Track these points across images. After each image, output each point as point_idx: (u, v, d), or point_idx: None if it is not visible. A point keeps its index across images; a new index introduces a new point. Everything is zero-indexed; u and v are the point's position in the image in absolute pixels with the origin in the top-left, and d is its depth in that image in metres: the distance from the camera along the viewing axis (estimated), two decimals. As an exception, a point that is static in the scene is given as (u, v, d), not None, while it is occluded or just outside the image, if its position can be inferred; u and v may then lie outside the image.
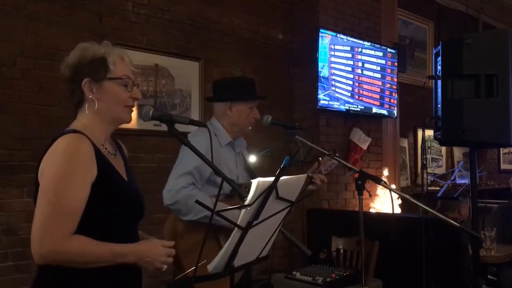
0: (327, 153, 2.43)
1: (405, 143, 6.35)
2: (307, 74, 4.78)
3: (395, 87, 5.29)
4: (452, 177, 6.48)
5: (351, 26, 5.06)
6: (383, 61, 5.17)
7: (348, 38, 4.85)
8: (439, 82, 2.89)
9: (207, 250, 1.49)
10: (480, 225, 3.92)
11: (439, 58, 2.91)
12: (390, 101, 5.24)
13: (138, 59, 3.81)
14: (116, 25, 3.75)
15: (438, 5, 6.94)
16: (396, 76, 5.31)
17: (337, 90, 4.76)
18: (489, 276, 4.13)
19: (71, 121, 1.65)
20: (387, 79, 5.21)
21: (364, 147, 4.93)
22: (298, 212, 4.44)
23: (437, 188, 6.03)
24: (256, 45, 4.70)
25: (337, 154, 2.55)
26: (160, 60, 3.99)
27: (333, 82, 4.72)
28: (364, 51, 5.00)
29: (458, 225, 2.12)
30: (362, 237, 2.17)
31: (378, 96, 5.13)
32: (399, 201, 4.97)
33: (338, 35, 4.76)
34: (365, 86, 5.02)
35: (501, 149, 8.23)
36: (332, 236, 3.85)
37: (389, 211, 3.89)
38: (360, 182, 2.14)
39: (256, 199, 1.40)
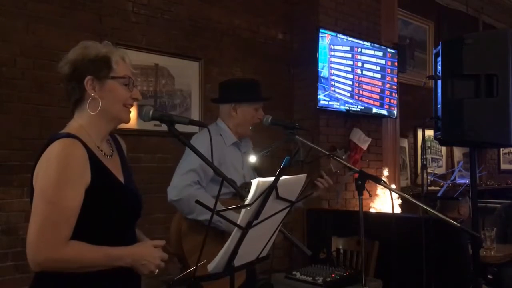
0: (327, 153, 2.43)
1: (405, 143, 6.35)
2: (307, 74, 4.78)
3: (395, 87, 5.29)
4: (452, 177, 6.48)
5: (351, 26, 5.06)
6: (383, 61, 5.17)
7: (348, 38, 4.85)
8: (439, 82, 2.89)
9: (213, 248, 1.50)
10: (480, 225, 3.93)
11: (439, 58, 2.91)
12: (390, 101, 5.24)
13: (138, 59, 3.81)
14: (116, 25, 3.75)
15: (438, 5, 6.94)
16: (396, 76, 5.30)
17: (337, 90, 4.76)
18: (489, 276, 4.13)
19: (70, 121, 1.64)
20: (387, 79, 5.21)
21: (364, 147, 4.93)
22: (298, 212, 4.44)
23: (437, 188, 6.04)
24: (256, 45, 4.70)
25: (338, 150, 2.55)
26: (160, 60, 3.98)
27: (333, 82, 4.72)
28: (364, 51, 5.00)
29: (458, 225, 2.12)
30: (362, 237, 2.17)
31: (378, 96, 5.13)
32: (399, 201, 4.97)
33: (338, 35, 4.76)
34: (365, 86, 5.02)
35: (501, 149, 8.23)
36: (332, 236, 3.85)
37: (389, 211, 3.89)
38: (360, 182, 2.14)
39: (256, 199, 1.40)
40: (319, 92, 4.57)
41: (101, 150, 1.62)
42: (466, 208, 4.40)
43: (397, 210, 4.94)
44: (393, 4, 5.56)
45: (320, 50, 4.55)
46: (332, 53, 4.70)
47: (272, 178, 1.42)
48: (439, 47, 2.92)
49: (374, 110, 5.10)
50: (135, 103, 1.68)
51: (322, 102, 4.60)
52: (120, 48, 1.69)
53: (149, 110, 1.66)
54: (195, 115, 4.17)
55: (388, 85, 5.22)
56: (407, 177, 6.39)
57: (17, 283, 3.18)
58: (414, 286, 3.20)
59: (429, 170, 6.31)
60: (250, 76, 2.64)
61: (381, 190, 4.97)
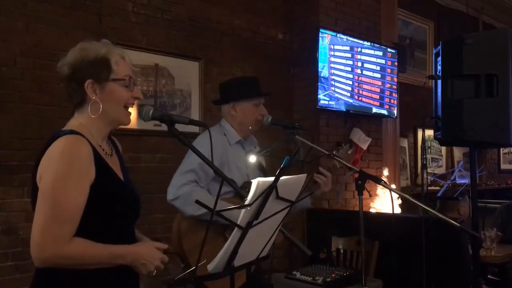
0: (327, 153, 2.43)
1: (405, 143, 6.35)
2: (307, 74, 4.78)
3: (395, 87, 5.29)
4: (452, 177, 6.49)
5: (351, 26, 5.06)
6: (383, 61, 5.17)
7: (348, 38, 4.85)
8: (439, 82, 2.89)
9: (214, 247, 1.50)
10: (480, 225, 3.93)
11: (439, 58, 2.92)
12: (390, 101, 5.24)
13: (138, 59, 3.81)
14: (116, 25, 3.75)
15: (438, 5, 6.94)
16: (396, 76, 5.30)
17: (337, 90, 4.76)
18: (489, 276, 4.13)
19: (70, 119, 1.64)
20: (387, 79, 5.21)
21: (364, 147, 4.93)
22: (298, 212, 4.43)
23: (437, 188, 6.04)
24: (256, 45, 4.70)
25: (343, 145, 2.54)
26: (160, 60, 3.98)
27: (333, 82, 4.72)
28: (364, 51, 5.00)
29: (458, 224, 2.12)
30: (362, 237, 2.17)
31: (378, 96, 5.13)
32: (399, 201, 4.97)
33: (338, 35, 4.76)
34: (365, 86, 5.02)
35: (501, 149, 8.23)
36: (332, 236, 3.85)
37: (389, 211, 3.89)
38: (360, 182, 2.14)
39: (256, 199, 1.40)
40: (319, 92, 4.58)
41: (103, 149, 1.62)
42: (466, 208, 4.40)
43: (397, 210, 4.94)
44: (393, 4, 5.56)
45: (320, 50, 4.55)
46: (332, 53, 4.70)
47: (272, 178, 1.42)
48: (439, 47, 2.92)
49: (374, 110, 5.10)
50: (135, 102, 1.68)
51: (322, 102, 4.60)
52: (118, 47, 1.66)
53: (149, 110, 1.66)
54: (195, 115, 4.17)
55: (388, 85, 5.22)
56: (407, 177, 6.39)
57: (17, 283, 3.18)
58: (414, 286, 3.20)
59: (429, 170, 6.31)
60: (258, 79, 2.64)
61: (381, 190, 4.97)
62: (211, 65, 4.32)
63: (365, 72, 5.01)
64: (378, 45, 5.14)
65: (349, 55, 4.86)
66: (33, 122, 3.33)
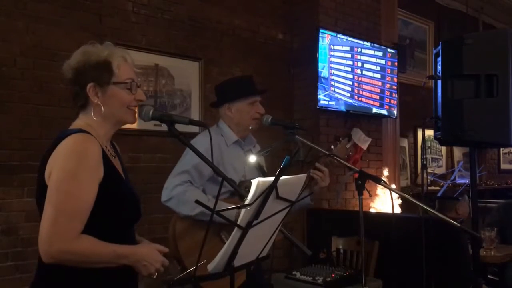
0: (327, 153, 2.43)
1: (405, 143, 6.36)
2: (307, 74, 4.78)
3: (395, 87, 5.29)
4: (452, 177, 6.49)
5: (351, 26, 5.06)
6: (383, 61, 5.17)
7: (348, 38, 4.85)
8: (439, 82, 2.89)
9: (210, 248, 1.50)
10: (480, 225, 3.93)
11: (439, 58, 2.91)
12: (390, 101, 5.24)
13: (138, 59, 3.81)
14: (116, 25, 3.75)
15: (438, 5, 6.94)
16: (396, 76, 5.30)
17: (337, 90, 4.76)
18: (489, 276, 4.13)
19: (71, 121, 1.65)
20: (387, 79, 5.21)
21: (364, 147, 4.92)
22: (298, 212, 4.44)
23: (437, 188, 6.04)
24: (256, 45, 4.70)
25: (341, 139, 2.53)
26: (160, 60, 3.98)
27: (333, 82, 4.72)
28: (363, 51, 5.00)
29: (458, 224, 2.12)
30: (362, 237, 2.17)
31: (378, 96, 5.12)
32: (399, 201, 4.97)
33: (338, 35, 4.76)
34: (365, 86, 5.02)
35: (501, 149, 8.23)
36: (332, 236, 3.85)
37: (389, 211, 3.89)
38: (360, 182, 2.14)
39: (256, 199, 1.40)
40: (319, 92, 4.58)
41: (108, 150, 1.65)
42: (464, 207, 4.40)
43: (397, 210, 4.94)
44: (393, 4, 5.56)
45: (320, 50, 4.55)
46: (332, 53, 4.70)
47: (272, 178, 1.42)
48: (439, 47, 2.92)
49: (374, 110, 5.10)
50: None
51: (322, 102, 4.61)
52: (120, 48, 1.69)
53: (149, 110, 1.67)
54: (195, 115, 4.17)
55: (388, 85, 5.22)
56: (407, 177, 6.39)
57: (17, 283, 3.18)
58: (414, 286, 3.20)
59: (429, 170, 6.31)
60: (253, 77, 2.63)
61: (381, 190, 4.97)
62: (211, 65, 4.32)
63: (365, 72, 5.01)
64: (378, 45, 5.14)
65: (349, 55, 4.86)
66: (33, 122, 3.33)
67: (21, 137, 3.28)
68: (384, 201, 4.97)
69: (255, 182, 1.39)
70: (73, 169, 1.47)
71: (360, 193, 2.15)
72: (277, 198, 1.47)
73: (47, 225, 1.44)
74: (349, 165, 2.44)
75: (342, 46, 4.80)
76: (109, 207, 1.55)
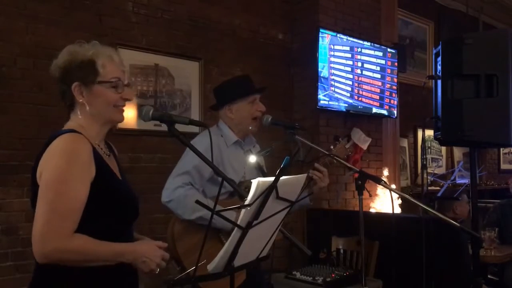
0: (327, 153, 2.43)
1: (405, 143, 6.35)
2: (307, 74, 4.78)
3: (395, 87, 5.29)
4: (452, 177, 6.48)
5: (351, 26, 5.06)
6: (383, 61, 5.17)
7: (348, 38, 4.85)
8: (439, 82, 2.89)
9: (209, 249, 1.49)
10: (480, 225, 3.93)
11: (439, 58, 2.91)
12: (390, 101, 5.24)
13: (138, 59, 3.82)
14: (116, 25, 3.75)
15: (438, 5, 6.94)
16: (396, 76, 5.30)
17: (337, 90, 4.76)
18: (489, 276, 4.13)
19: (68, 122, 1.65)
20: (387, 79, 5.21)
21: (364, 147, 4.91)
22: (298, 212, 4.44)
23: (437, 188, 6.04)
24: (256, 45, 4.70)
25: (341, 139, 2.53)
26: (160, 60, 3.98)
27: (333, 82, 4.72)
28: (363, 51, 5.00)
29: (458, 224, 2.12)
30: (362, 237, 2.17)
31: (378, 96, 5.12)
32: (399, 201, 4.97)
33: (338, 35, 4.76)
34: (364, 86, 5.02)
35: (501, 149, 8.23)
36: (332, 236, 3.85)
37: (389, 211, 3.89)
38: (360, 182, 2.14)
39: (256, 199, 1.40)
40: (319, 92, 4.57)
41: (101, 149, 1.65)
42: (463, 207, 4.40)
43: (397, 210, 4.94)
44: (393, 4, 5.56)
45: (320, 50, 4.55)
46: (332, 53, 4.70)
47: (272, 178, 1.42)
48: (439, 47, 2.92)
49: (374, 110, 5.10)
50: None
51: (322, 102, 4.60)
52: (107, 47, 1.67)
53: (149, 110, 1.67)
54: (195, 115, 4.17)
55: (388, 85, 5.22)
56: (407, 177, 6.39)
57: (17, 283, 3.18)
58: (414, 286, 3.20)
59: (429, 170, 6.30)
60: (250, 76, 2.63)
61: (381, 190, 4.97)
62: (211, 65, 4.32)
63: (365, 72, 5.01)
64: (378, 45, 5.14)
65: (349, 55, 4.86)
66: (33, 122, 3.33)
67: (21, 137, 3.28)
68: (384, 201, 4.97)
69: (255, 182, 1.39)
70: (63, 168, 1.47)
71: (360, 193, 2.15)
72: (277, 198, 1.47)
73: (39, 225, 1.44)
74: (349, 165, 2.44)
75: (342, 46, 4.80)
76: (103, 205, 1.55)
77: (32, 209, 1.54)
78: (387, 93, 5.21)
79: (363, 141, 4.91)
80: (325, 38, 4.62)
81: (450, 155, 7.26)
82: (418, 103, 5.84)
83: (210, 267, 1.48)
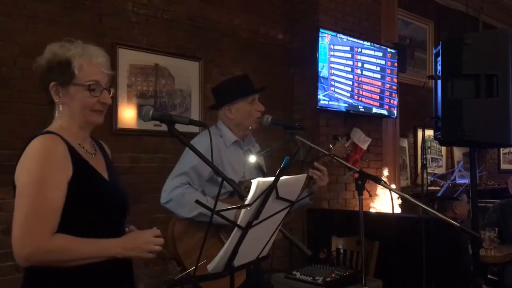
0: (327, 153, 2.43)
1: (405, 143, 6.36)
2: (307, 74, 4.78)
3: (395, 87, 5.29)
4: (452, 177, 6.48)
5: (351, 26, 5.06)
6: (383, 61, 5.17)
7: (348, 38, 4.85)
8: (439, 82, 2.89)
9: (209, 248, 1.49)
10: (480, 225, 3.93)
11: (439, 58, 2.92)
12: (390, 101, 5.24)
13: (138, 59, 3.82)
14: (116, 25, 3.75)
15: (438, 5, 6.94)
16: (396, 76, 5.30)
17: (337, 90, 4.76)
18: (489, 276, 4.13)
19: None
20: (387, 79, 5.21)
21: (364, 147, 4.91)
22: (298, 212, 4.44)
23: (437, 188, 6.04)
24: (256, 45, 4.70)
25: (340, 138, 2.53)
26: (160, 60, 3.98)
27: (333, 82, 4.72)
28: (364, 51, 5.00)
29: (458, 224, 2.12)
30: (362, 237, 2.17)
31: (378, 96, 5.12)
32: (399, 201, 4.97)
33: (338, 35, 4.76)
34: (364, 86, 5.02)
35: (501, 149, 8.23)
36: (332, 236, 3.85)
37: (389, 211, 3.89)
38: (360, 182, 2.14)
39: (256, 199, 1.40)
40: (319, 92, 4.57)
41: (83, 147, 1.64)
42: (462, 207, 4.40)
43: (397, 210, 4.94)
44: (393, 4, 5.56)
45: (320, 50, 4.55)
46: (332, 53, 4.70)
47: (272, 178, 1.42)
48: (439, 47, 2.92)
49: (374, 110, 5.10)
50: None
51: (322, 102, 4.61)
52: (92, 47, 1.67)
53: (149, 110, 1.67)
54: (195, 115, 4.17)
55: (388, 85, 5.22)
56: (407, 177, 6.39)
57: (17, 283, 3.16)
58: (414, 286, 3.20)
59: (429, 170, 6.30)
60: (250, 76, 2.63)
61: (381, 190, 4.97)
62: (211, 65, 4.32)
63: (365, 72, 5.01)
64: (378, 45, 5.14)
65: (349, 55, 4.86)
66: (33, 122, 3.32)
67: (21, 137, 3.26)
68: (384, 201, 4.97)
69: (255, 182, 1.39)
70: (37, 170, 1.48)
71: (360, 193, 2.15)
72: (277, 198, 1.47)
73: (16, 229, 1.45)
74: (349, 165, 2.44)
75: (342, 46, 4.80)
76: (84, 204, 1.54)
77: (14, 212, 1.53)
78: (387, 93, 5.21)
79: (363, 141, 4.91)
80: (325, 38, 4.62)
81: (450, 155, 7.27)
82: (418, 103, 5.83)
83: (210, 267, 1.48)
